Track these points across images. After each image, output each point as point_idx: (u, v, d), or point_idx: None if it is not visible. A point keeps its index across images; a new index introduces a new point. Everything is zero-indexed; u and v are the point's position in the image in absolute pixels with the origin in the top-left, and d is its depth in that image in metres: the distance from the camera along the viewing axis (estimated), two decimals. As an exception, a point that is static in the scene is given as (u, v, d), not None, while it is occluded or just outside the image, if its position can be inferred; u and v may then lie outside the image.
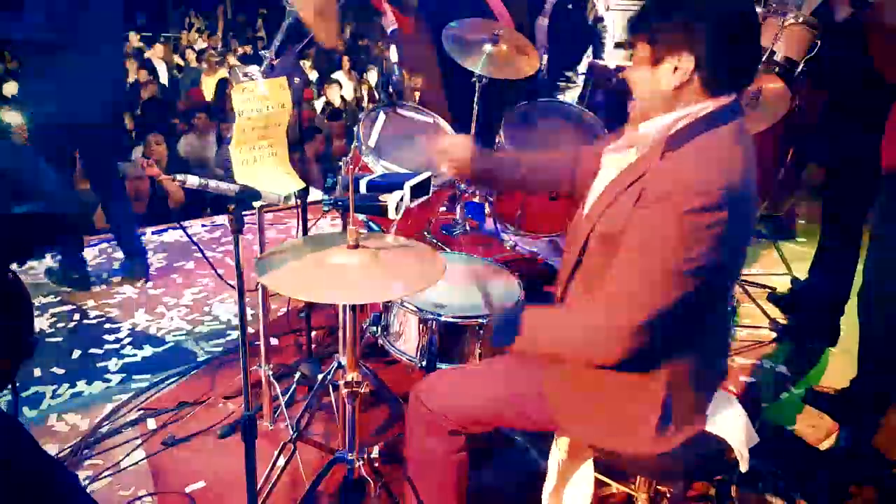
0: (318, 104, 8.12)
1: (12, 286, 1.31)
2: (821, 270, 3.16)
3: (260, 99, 2.03)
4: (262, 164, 2.10)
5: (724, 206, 1.26)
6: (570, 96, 3.84)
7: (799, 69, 2.78)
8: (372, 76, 9.66)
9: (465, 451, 1.67)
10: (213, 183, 1.59)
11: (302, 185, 2.19)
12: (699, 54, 1.31)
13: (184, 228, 3.25)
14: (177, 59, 10.13)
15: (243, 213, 1.60)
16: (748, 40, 1.36)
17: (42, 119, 3.05)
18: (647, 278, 1.30)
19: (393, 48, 2.88)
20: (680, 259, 1.27)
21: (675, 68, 1.34)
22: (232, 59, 9.58)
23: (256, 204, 1.68)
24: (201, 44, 10.93)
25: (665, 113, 1.39)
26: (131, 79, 8.26)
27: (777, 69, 2.75)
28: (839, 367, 2.92)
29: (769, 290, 3.54)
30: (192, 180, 1.56)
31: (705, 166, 1.30)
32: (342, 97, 8.49)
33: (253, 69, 2.09)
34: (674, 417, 1.45)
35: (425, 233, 3.01)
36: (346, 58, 10.00)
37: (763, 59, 2.77)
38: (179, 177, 1.56)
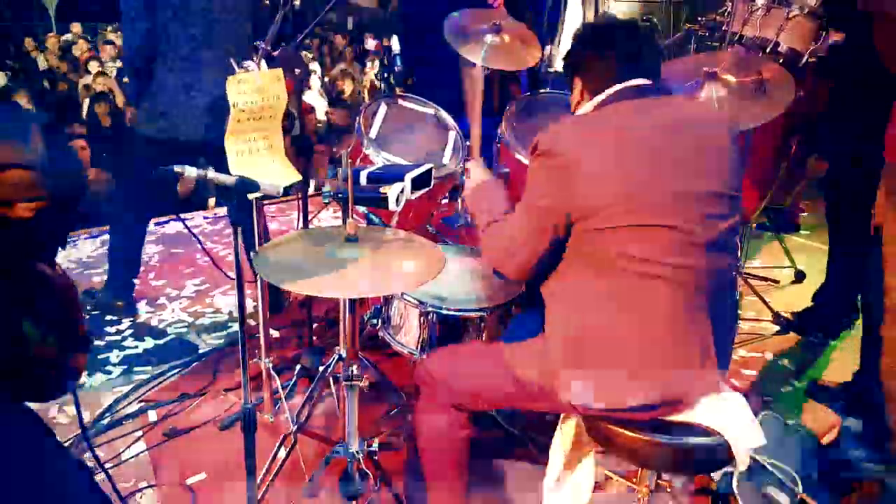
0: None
1: (60, 279, 1.29)
2: (836, 269, 3.12)
3: (256, 90, 2.02)
4: (257, 156, 2.09)
5: (553, 153, 1.49)
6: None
7: (804, 60, 2.76)
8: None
9: (468, 428, 1.72)
10: (211, 174, 1.58)
11: (298, 176, 2.18)
12: (580, 78, 1.69)
13: (183, 221, 3.25)
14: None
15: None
16: (601, 53, 1.63)
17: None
18: (519, 215, 1.61)
19: (395, 39, 2.86)
20: (532, 196, 1.56)
21: (573, 88, 1.73)
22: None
23: (252, 196, 1.67)
24: None
25: None
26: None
27: (781, 60, 2.73)
28: (842, 361, 2.91)
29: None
30: (191, 171, 1.55)
31: (552, 130, 1.54)
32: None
33: (249, 61, 2.09)
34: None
35: (426, 225, 3.00)
36: (349, 48, 9.97)
37: (767, 49, 2.75)
38: (177, 168, 1.55)
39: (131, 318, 3.16)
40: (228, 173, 1.64)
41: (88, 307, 3.14)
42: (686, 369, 1.50)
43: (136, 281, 3.24)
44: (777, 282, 3.60)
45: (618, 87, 1.60)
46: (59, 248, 1.26)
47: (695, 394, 1.52)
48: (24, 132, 1.09)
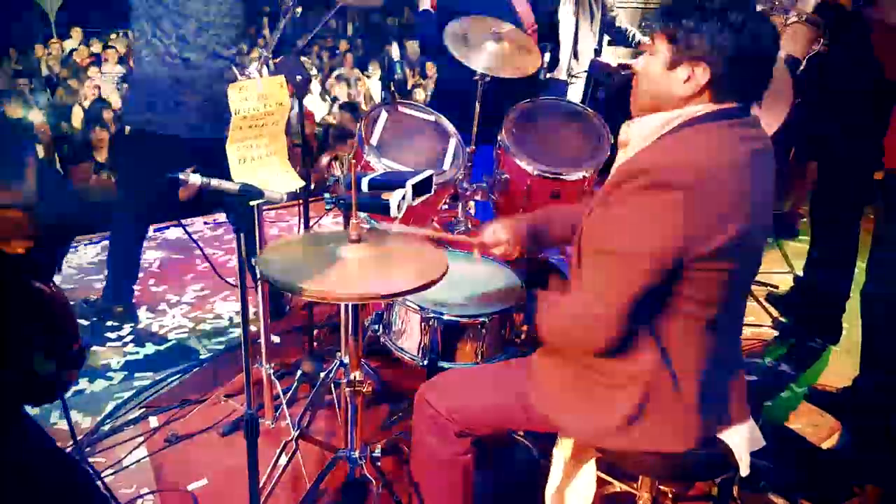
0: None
1: (52, 296, 1.31)
2: (818, 268, 3.15)
3: (258, 97, 2.03)
4: (260, 163, 2.10)
5: (672, 186, 1.24)
6: (574, 93, 3.82)
7: (802, 67, 2.78)
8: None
9: (470, 453, 1.67)
10: (215, 181, 1.59)
11: (301, 183, 2.19)
12: (716, 70, 1.30)
13: (184, 227, 3.25)
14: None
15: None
16: (766, 59, 1.34)
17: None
18: (611, 265, 1.32)
19: (395, 45, 2.87)
20: (636, 240, 1.28)
21: (689, 77, 1.32)
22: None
23: (254, 203, 1.67)
24: None
25: (662, 110, 1.38)
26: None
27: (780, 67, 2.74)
28: (841, 366, 2.92)
29: (770, 290, 3.52)
30: (195, 178, 1.56)
31: (663, 152, 1.30)
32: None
33: (252, 68, 2.10)
34: (646, 414, 1.42)
35: (427, 231, 3.01)
36: (349, 55, 10.00)
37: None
38: (182, 175, 1.56)
39: (132, 325, 3.16)
40: (219, 176, 1.64)
41: (88, 315, 3.12)
42: (728, 413, 1.49)
43: (135, 287, 3.22)
44: (776, 287, 3.61)
45: (738, 103, 1.35)
46: (56, 271, 1.28)
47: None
48: (19, 170, 1.11)
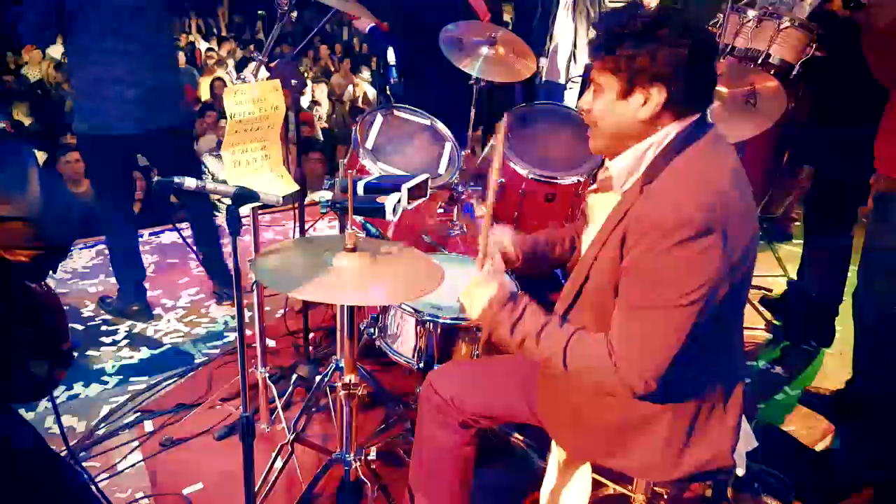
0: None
1: (45, 296, 1.32)
2: (810, 271, 3.17)
3: (252, 101, 2.04)
4: (254, 166, 2.10)
5: (711, 229, 1.22)
6: (571, 97, 3.84)
7: (795, 72, 2.80)
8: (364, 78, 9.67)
9: (472, 444, 1.68)
10: (210, 185, 1.59)
11: (296, 187, 2.19)
12: (671, 86, 1.27)
13: (179, 231, 3.24)
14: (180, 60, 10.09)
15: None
16: (710, 61, 1.34)
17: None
18: (656, 321, 1.27)
19: (390, 50, 2.89)
20: (682, 293, 1.24)
21: (646, 100, 1.30)
22: (231, 62, 9.56)
23: (247, 208, 1.68)
24: (218, 47, 10.89)
25: (631, 144, 1.36)
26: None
27: (773, 72, 2.77)
28: (834, 369, 2.94)
29: (763, 294, 3.54)
30: (190, 182, 1.57)
31: (684, 194, 1.26)
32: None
33: (247, 72, 2.11)
34: (686, 440, 1.43)
35: (423, 234, 3.02)
36: (346, 60, 10.02)
37: (759, 60, 2.78)
38: (177, 179, 1.56)
39: (152, 322, 3.24)
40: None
41: (110, 312, 3.26)
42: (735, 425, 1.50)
43: (146, 284, 3.31)
44: (770, 290, 3.63)
45: (698, 116, 1.34)
46: (52, 272, 1.29)
47: None
48: (21, 181, 1.12)
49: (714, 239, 1.23)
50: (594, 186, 1.49)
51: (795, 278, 3.45)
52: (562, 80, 3.82)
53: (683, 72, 1.27)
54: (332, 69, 10.11)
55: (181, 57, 10.02)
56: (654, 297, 1.27)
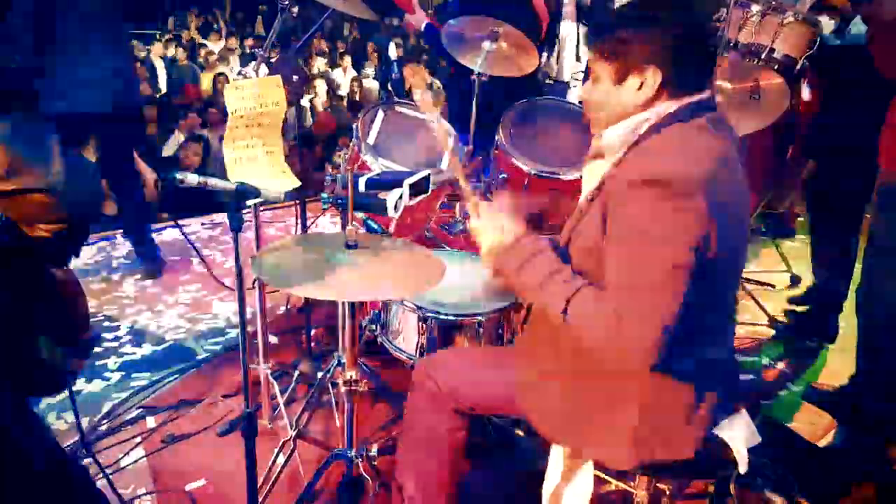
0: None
1: (67, 283, 1.30)
2: (815, 267, 3.16)
3: (254, 97, 2.03)
4: (256, 163, 2.10)
5: (691, 193, 1.20)
6: (575, 95, 3.84)
7: (799, 66, 2.78)
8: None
9: (463, 430, 1.66)
10: (212, 181, 1.59)
11: (297, 183, 2.19)
12: (666, 67, 1.28)
13: (180, 227, 3.25)
14: (180, 56, 10.07)
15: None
16: (706, 40, 1.35)
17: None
18: (652, 283, 1.23)
19: (392, 46, 2.87)
20: (674, 253, 1.21)
21: (641, 84, 1.31)
22: (233, 58, 9.56)
23: (251, 202, 1.67)
24: (213, 42, 10.88)
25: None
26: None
27: (777, 66, 2.75)
28: (838, 365, 2.93)
29: (789, 295, 3.49)
30: (192, 178, 1.56)
31: (671, 157, 1.25)
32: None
33: (248, 67, 2.10)
34: (653, 427, 1.42)
35: (424, 230, 3.01)
36: (347, 56, 10.01)
37: (763, 56, 2.77)
38: (179, 175, 1.56)
39: (129, 325, 3.17)
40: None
41: (106, 310, 3.29)
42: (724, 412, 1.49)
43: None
44: (773, 286, 3.62)
45: (704, 95, 1.33)
46: (74, 256, 1.27)
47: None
48: (45, 154, 1.10)
49: (695, 204, 1.20)
50: (589, 154, 1.49)
51: (798, 274, 3.45)
52: (565, 78, 3.82)
53: (677, 52, 1.28)
54: (335, 64, 10.10)
55: (181, 53, 10.03)
56: (648, 258, 1.23)
